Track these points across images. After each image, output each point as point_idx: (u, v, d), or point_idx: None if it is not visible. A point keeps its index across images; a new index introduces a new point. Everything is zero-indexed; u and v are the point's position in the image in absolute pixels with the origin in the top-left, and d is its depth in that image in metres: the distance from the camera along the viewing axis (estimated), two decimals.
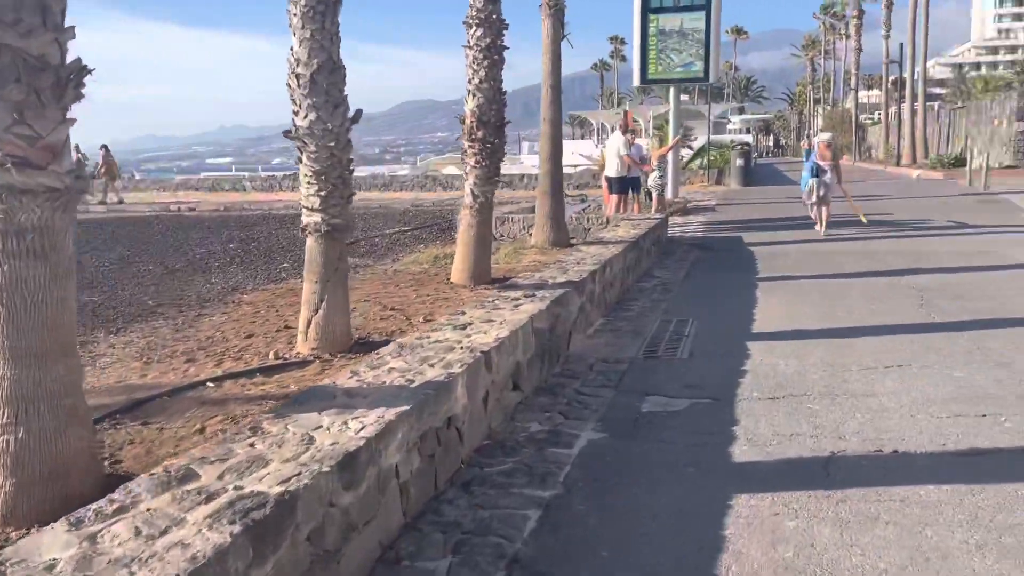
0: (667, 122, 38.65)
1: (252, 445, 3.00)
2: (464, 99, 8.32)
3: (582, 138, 75.91)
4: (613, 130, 15.52)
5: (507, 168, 36.14)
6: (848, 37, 56.98)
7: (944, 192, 21.44)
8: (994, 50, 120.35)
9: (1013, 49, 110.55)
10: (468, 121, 8.13)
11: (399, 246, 12.76)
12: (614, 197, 14.34)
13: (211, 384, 4.72)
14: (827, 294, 8.57)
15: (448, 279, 8.14)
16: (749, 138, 62.78)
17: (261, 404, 4.17)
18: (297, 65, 5.12)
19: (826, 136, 14.41)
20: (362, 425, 3.16)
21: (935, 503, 3.45)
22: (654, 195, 15.26)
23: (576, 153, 37.46)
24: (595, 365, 5.93)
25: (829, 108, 75.51)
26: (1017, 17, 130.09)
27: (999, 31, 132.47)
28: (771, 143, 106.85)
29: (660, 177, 15.27)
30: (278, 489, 2.59)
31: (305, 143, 5.18)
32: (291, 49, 5.19)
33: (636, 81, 18.93)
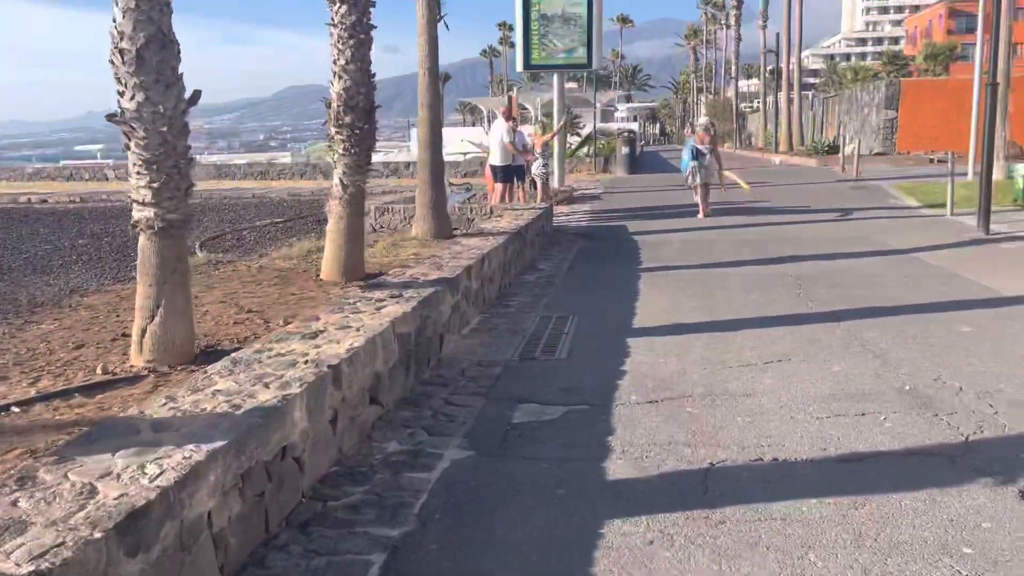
0: (566, 111, 38.76)
1: (15, 503, 2.42)
2: (330, 82, 7.72)
3: (472, 125, 75.43)
4: (493, 117, 15.10)
5: (394, 155, 35.36)
6: (729, 27, 58.66)
7: (820, 179, 22.15)
8: (863, 41, 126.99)
9: (880, 41, 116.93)
10: (335, 105, 7.55)
11: (269, 239, 12.00)
12: (499, 186, 13.96)
13: (16, 409, 4.03)
14: (708, 284, 8.45)
15: (318, 276, 7.55)
16: (635, 126, 63.96)
17: (72, 432, 3.54)
18: (121, 39, 4.45)
19: (703, 121, 15.13)
20: (161, 469, 2.62)
21: (817, 521, 3.19)
22: (539, 183, 14.98)
23: (465, 140, 36.97)
24: (468, 369, 5.51)
25: (712, 97, 77.73)
26: (883, 10, 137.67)
27: (867, 24, 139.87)
28: (657, 131, 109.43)
29: (545, 165, 15.00)
30: (27, 569, 2.03)
31: (133, 128, 4.51)
32: (113, 21, 4.51)
33: (519, 67, 18.60)
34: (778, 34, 37.30)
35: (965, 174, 17.93)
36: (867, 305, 7.17)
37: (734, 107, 53.81)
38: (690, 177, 14.69)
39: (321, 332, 4.52)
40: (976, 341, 5.82)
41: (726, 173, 14.90)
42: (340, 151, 7.49)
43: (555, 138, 17.50)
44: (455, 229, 11.43)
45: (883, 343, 5.84)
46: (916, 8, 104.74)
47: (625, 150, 25.41)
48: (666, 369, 5.37)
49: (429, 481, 3.66)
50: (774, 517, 3.24)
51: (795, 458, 3.85)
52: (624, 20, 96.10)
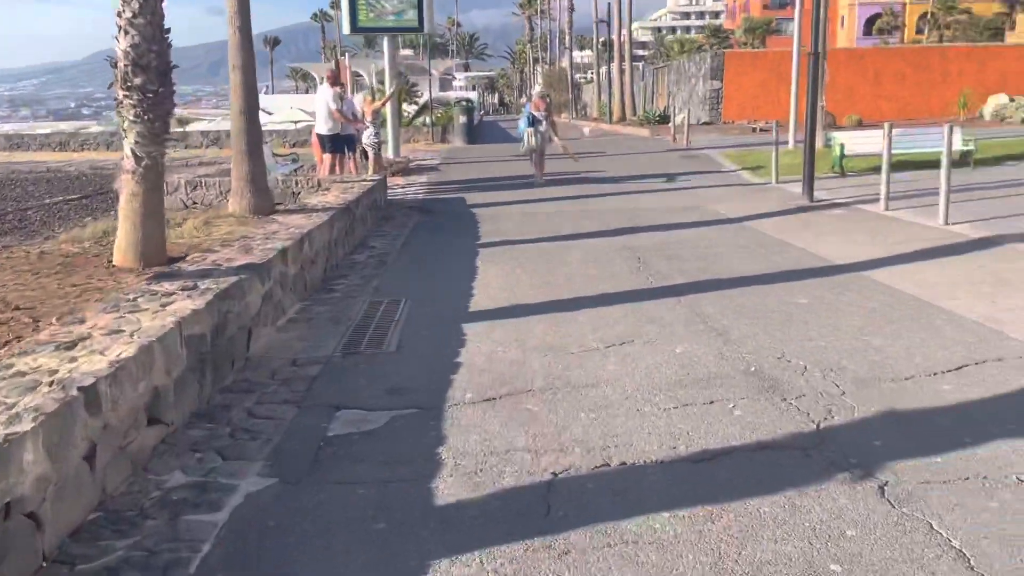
0: (399, 76, 37.54)
1: None
2: (115, 38, 6.62)
3: (306, 92, 72.37)
4: (322, 82, 14.11)
5: (218, 124, 32.90)
6: None
7: (653, 148, 22.55)
8: (687, 15, 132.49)
9: (702, 15, 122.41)
10: (121, 65, 6.47)
11: (60, 220, 10.54)
12: (327, 157, 13.03)
13: None
14: (549, 259, 8.09)
15: (111, 262, 6.51)
16: (474, 95, 63.50)
17: None
18: None
19: (539, 89, 16.02)
20: None
21: (672, 542, 2.80)
22: (371, 154, 14.15)
23: (296, 108, 35.14)
24: (280, 370, 4.80)
25: (548, 67, 78.48)
26: None
27: None
28: (496, 101, 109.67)
29: (377, 135, 14.17)
30: None
31: None
32: None
33: (346, 29, 17.51)
34: (609, 4, 37.88)
35: (786, 142, 18.70)
36: (706, 277, 7.02)
37: (569, 77, 54.44)
38: (523, 142, 14.78)
39: (84, 339, 3.67)
40: (813, 313, 5.74)
41: (559, 142, 15.33)
42: (131, 117, 6.44)
43: (388, 106, 16.65)
44: (278, 204, 10.48)
45: (724, 319, 5.64)
46: None
47: (463, 119, 24.85)
48: (505, 359, 4.89)
49: (215, 525, 2.98)
50: (625, 540, 2.81)
51: (644, 460, 3.46)
52: None
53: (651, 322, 5.64)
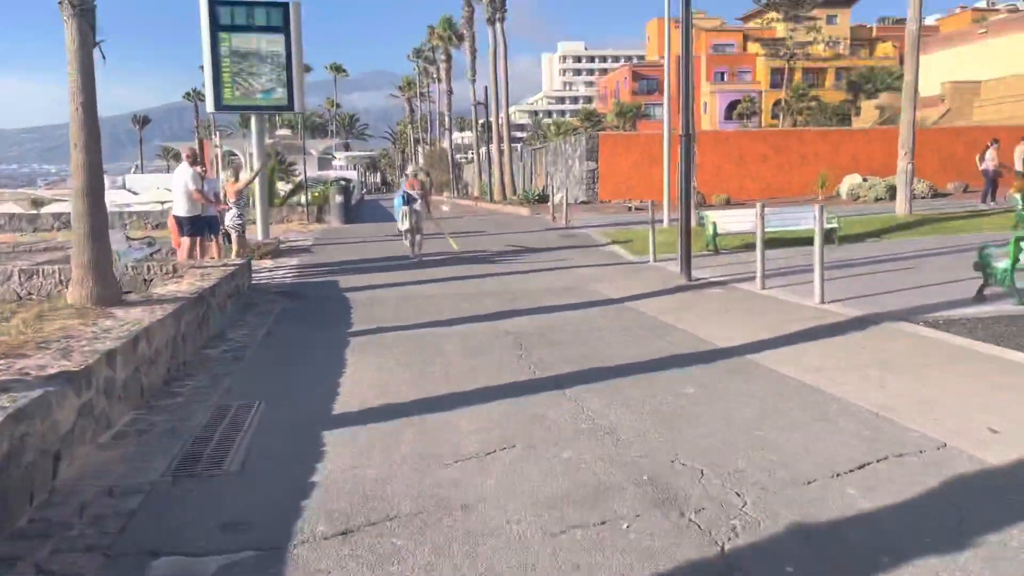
0: (268, 155, 36.56)
1: None
2: None
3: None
4: (179, 160, 13.26)
5: (59, 206, 30.86)
6: (439, 80, 60.10)
7: (533, 227, 22.56)
8: (562, 100, 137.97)
9: (576, 100, 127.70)
10: None
11: None
12: (185, 240, 12.10)
13: None
14: (425, 349, 7.51)
15: None
16: (354, 174, 63.02)
17: None
18: None
19: (411, 169, 17.03)
20: None
21: None
22: (234, 236, 13.30)
23: (163, 188, 33.58)
24: (93, 503, 3.97)
25: (429, 147, 79.24)
26: (577, 72, 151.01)
27: (564, 84, 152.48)
28: (379, 180, 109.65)
29: (240, 216, 13.36)
30: None
31: None
32: None
33: (210, 107, 16.70)
34: (486, 87, 38.57)
35: (662, 221, 19.04)
36: (591, 366, 6.63)
37: (450, 157, 54.93)
38: (399, 221, 15.23)
39: None
40: (704, 405, 5.39)
41: (433, 222, 16.13)
42: None
43: (256, 185, 15.87)
44: (127, 293, 9.54)
45: (612, 414, 5.21)
46: (604, 71, 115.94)
47: (339, 198, 24.19)
48: (369, 475, 4.25)
49: None
50: None
51: None
52: (338, 69, 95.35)
53: (535, 421, 5.14)
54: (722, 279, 11.42)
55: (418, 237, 15.17)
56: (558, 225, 22.49)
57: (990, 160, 21.77)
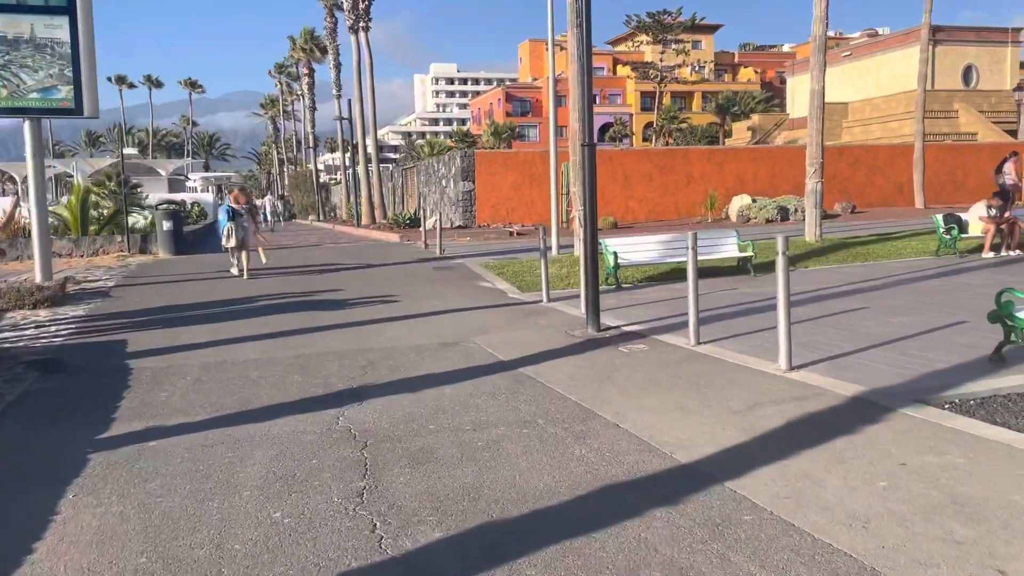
0: (108, 177, 31.89)
1: None
2: None
3: (3, 194, 62.72)
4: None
5: None
6: (303, 96, 56.30)
7: (402, 256, 19.65)
8: (435, 121, 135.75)
9: (450, 121, 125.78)
10: None
11: None
12: None
13: None
14: (207, 481, 4.54)
15: None
16: (209, 197, 57.99)
17: None
18: None
19: (239, 182, 16.03)
20: None
21: None
22: None
23: None
24: None
25: (295, 168, 74.77)
26: (450, 94, 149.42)
27: (437, 105, 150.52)
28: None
29: None
30: None
31: None
32: None
33: None
34: (350, 100, 35.39)
35: (550, 249, 16.59)
36: (484, 518, 3.87)
37: (314, 177, 51.14)
38: (224, 238, 14.73)
39: None
40: None
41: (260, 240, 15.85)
42: None
43: (30, 213, 12.23)
44: None
45: None
46: (477, 93, 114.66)
47: (168, 225, 20.39)
48: None
49: None
50: None
51: None
52: (193, 85, 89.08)
53: None
54: (639, 328, 8.94)
55: (244, 255, 14.73)
56: (431, 254, 19.68)
57: (1008, 174, 19.42)
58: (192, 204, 40.08)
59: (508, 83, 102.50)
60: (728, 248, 13.38)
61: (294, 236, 33.55)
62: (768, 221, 25.17)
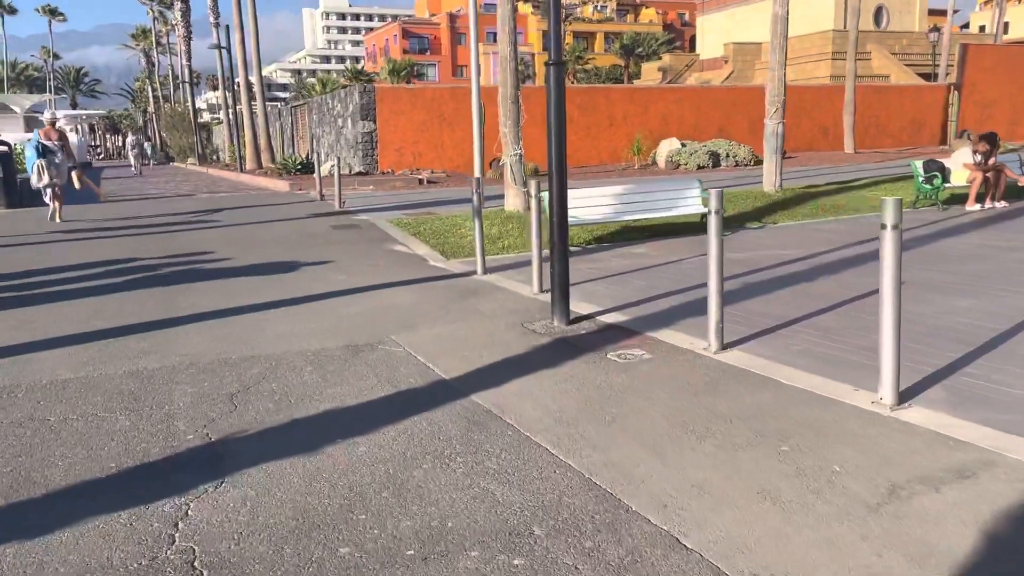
0: None
1: None
2: None
3: None
4: None
5: None
6: (177, 25, 50.76)
7: (293, 211, 16.62)
8: (327, 59, 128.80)
9: (343, 59, 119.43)
10: None
11: None
12: None
13: None
14: None
15: None
16: (75, 137, 52.09)
17: None
18: None
19: (48, 115, 14.63)
20: None
21: None
22: None
23: None
24: None
25: (172, 106, 68.53)
26: (342, 30, 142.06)
27: (328, 42, 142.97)
28: (122, 143, 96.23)
29: None
30: None
31: None
32: None
33: None
34: (228, 27, 31.25)
35: (470, 201, 14.03)
36: None
37: (192, 116, 46.31)
38: (34, 176, 13.97)
39: None
40: None
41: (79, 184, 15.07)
42: None
43: None
44: None
45: None
46: (371, 30, 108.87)
47: None
48: None
49: None
50: None
51: None
52: (53, 12, 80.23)
53: None
54: (621, 317, 6.60)
55: (60, 193, 13.97)
56: (328, 207, 16.76)
57: None
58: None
59: (405, 19, 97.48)
60: (690, 202, 11.20)
61: (163, 183, 29.58)
62: (700, 167, 23.28)
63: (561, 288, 6.45)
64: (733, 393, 4.67)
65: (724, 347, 5.47)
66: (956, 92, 31.50)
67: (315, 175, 18.88)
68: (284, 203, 18.53)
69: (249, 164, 32.60)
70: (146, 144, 51.69)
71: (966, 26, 72.98)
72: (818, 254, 9.17)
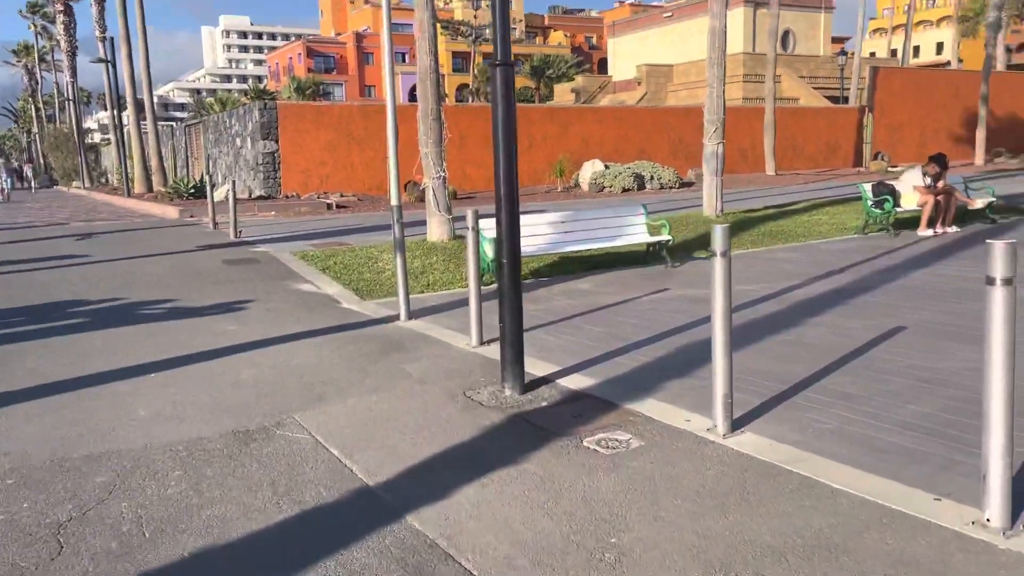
0: None
1: None
2: None
3: None
4: None
5: None
6: (60, 40, 47.33)
7: (181, 242, 14.71)
8: (227, 78, 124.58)
9: (244, 78, 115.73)
10: None
11: None
12: None
13: None
14: None
15: None
16: None
17: None
18: None
19: None
20: None
21: None
22: None
23: None
24: None
25: (57, 126, 64.17)
26: (243, 48, 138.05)
27: (229, 61, 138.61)
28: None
29: None
30: None
31: None
32: None
33: None
34: (113, 39, 28.76)
35: (386, 228, 12.55)
36: None
37: (76, 137, 43.02)
38: None
39: None
40: None
41: None
42: None
43: None
44: None
45: None
46: (274, 48, 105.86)
47: None
48: None
49: None
50: None
51: None
52: None
53: None
54: (589, 382, 5.27)
55: None
56: (222, 237, 14.94)
57: None
58: None
59: (309, 37, 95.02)
60: (636, 230, 10.06)
61: (38, 209, 26.87)
62: (625, 190, 22.42)
63: (514, 346, 5.09)
64: (772, 507, 3.40)
65: (732, 431, 4.21)
66: (870, 114, 31.88)
67: (207, 200, 17.02)
68: (171, 233, 16.56)
69: (138, 187, 30.05)
70: (26, 167, 47.94)
71: (873, 54, 75.91)
72: (787, 290, 8.12)
